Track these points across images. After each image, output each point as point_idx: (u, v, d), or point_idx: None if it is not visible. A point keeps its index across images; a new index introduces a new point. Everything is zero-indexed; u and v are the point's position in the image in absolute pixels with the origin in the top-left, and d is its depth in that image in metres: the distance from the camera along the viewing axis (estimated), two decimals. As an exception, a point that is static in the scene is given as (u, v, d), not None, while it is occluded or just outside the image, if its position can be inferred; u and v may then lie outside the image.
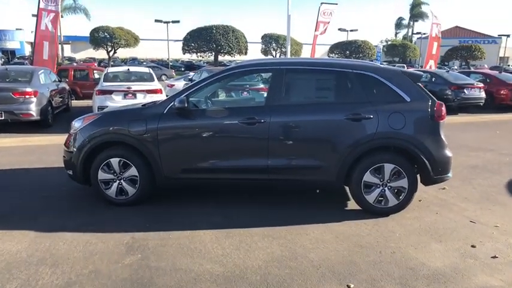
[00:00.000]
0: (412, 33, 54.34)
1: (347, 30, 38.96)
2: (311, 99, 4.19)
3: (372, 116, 3.85)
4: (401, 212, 4.04)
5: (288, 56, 15.53)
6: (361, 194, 3.98)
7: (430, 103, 3.92)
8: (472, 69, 28.83)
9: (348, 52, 27.08)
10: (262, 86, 10.33)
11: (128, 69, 10.30)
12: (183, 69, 40.54)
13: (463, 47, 33.08)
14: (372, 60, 26.86)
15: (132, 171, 4.14)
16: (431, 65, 20.58)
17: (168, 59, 38.64)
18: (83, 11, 32.94)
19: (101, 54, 34.35)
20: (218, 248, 3.29)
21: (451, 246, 3.38)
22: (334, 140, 3.92)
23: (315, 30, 17.50)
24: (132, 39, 29.83)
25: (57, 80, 11.30)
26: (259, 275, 2.88)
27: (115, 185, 4.20)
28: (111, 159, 4.15)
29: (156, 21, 36.69)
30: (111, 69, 10.36)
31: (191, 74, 19.03)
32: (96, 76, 16.38)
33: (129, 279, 2.81)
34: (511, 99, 13.66)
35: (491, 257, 3.18)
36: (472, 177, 5.45)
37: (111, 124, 4.19)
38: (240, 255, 3.16)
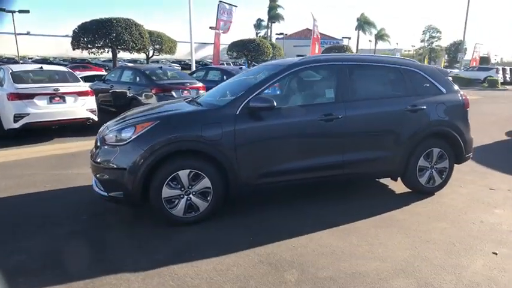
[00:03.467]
0: (271, 34, 59.28)
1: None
2: (373, 93, 4.37)
3: (425, 107, 4.32)
4: (440, 190, 4.64)
5: (193, 57, 15.39)
6: (416, 177, 4.42)
7: (459, 94, 4.63)
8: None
9: (245, 51, 27.72)
10: (199, 85, 9.97)
11: (41, 67, 8.37)
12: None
13: (336, 47, 38.01)
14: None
15: (205, 182, 3.61)
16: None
17: (17, 56, 32.47)
18: None
19: None
20: (357, 247, 3.23)
21: (507, 209, 4.12)
22: (399, 130, 4.24)
23: (215, 28, 17.48)
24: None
25: None
26: (419, 261, 2.99)
27: (183, 201, 3.59)
28: (179, 172, 3.52)
29: (-1, 9, 30.29)
30: (17, 68, 8.21)
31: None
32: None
33: (324, 296, 2.55)
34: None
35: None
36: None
37: (178, 130, 3.55)
38: (383, 250, 3.19)
